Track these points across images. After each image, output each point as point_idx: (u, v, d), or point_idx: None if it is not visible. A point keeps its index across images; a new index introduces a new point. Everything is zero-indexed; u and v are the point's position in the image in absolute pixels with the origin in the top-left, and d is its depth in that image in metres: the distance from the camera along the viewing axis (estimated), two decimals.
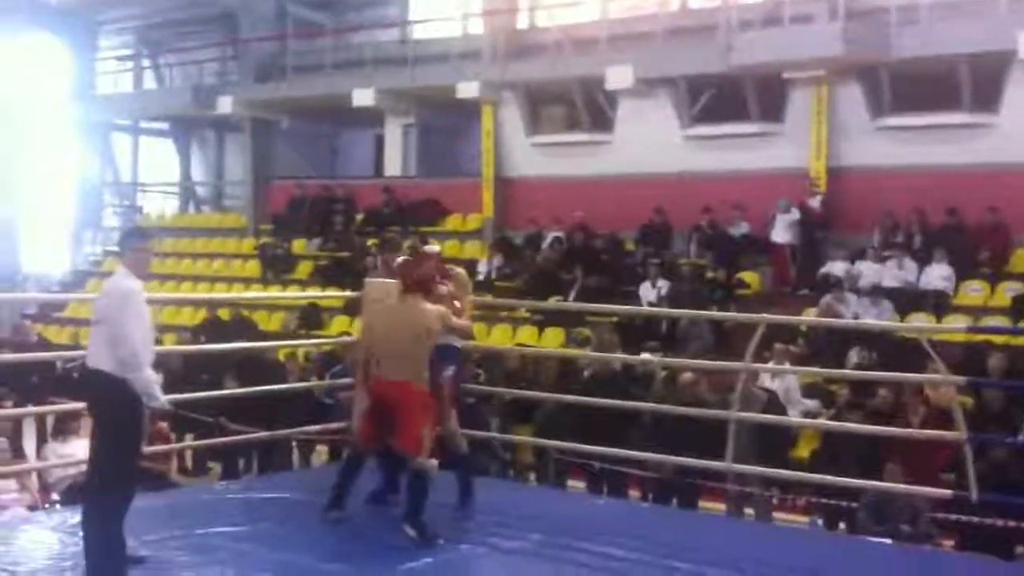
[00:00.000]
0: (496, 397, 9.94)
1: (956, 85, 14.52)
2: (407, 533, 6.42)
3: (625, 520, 7.46)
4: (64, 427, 9.52)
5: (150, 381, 5.47)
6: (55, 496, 8.90)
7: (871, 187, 15.03)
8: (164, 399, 5.59)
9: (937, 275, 13.60)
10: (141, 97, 24.59)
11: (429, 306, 6.64)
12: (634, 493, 9.93)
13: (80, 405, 9.56)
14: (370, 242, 18.55)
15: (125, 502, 5.56)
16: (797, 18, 14.97)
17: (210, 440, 10.68)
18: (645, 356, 10.79)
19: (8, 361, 11.65)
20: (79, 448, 9.27)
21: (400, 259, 7.12)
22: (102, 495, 5.53)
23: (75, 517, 6.52)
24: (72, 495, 8.64)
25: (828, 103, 15.34)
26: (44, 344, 15.19)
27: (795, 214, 14.97)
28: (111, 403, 5.49)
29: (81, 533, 5.63)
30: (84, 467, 9.05)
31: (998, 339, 11.48)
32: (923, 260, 13.87)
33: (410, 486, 6.54)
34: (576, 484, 10.16)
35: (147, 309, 5.64)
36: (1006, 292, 13.30)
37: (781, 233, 15.09)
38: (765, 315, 8.83)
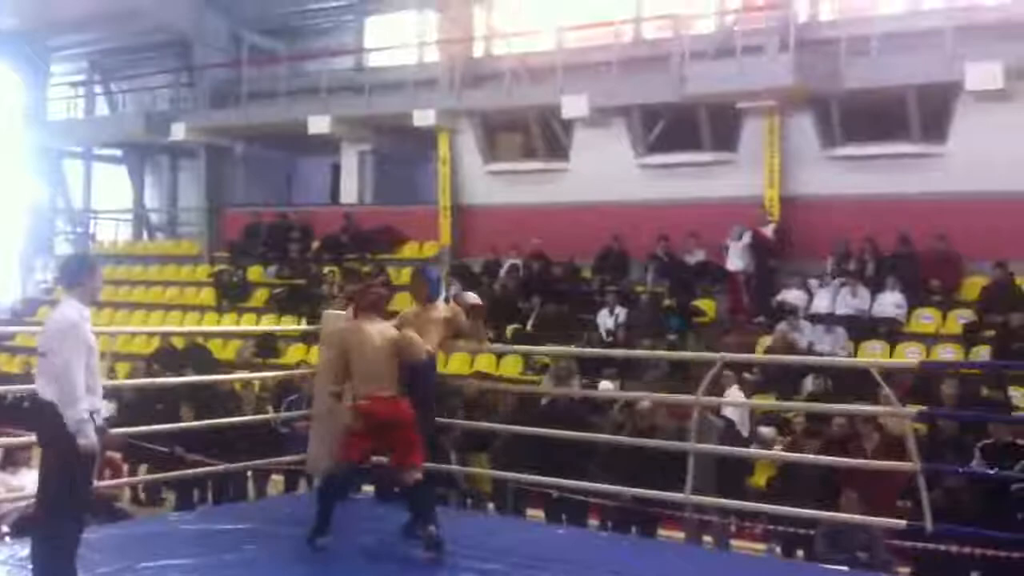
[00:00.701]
0: (453, 426, 9.88)
1: (905, 115, 14.78)
2: (421, 546, 6.62)
3: (584, 549, 7.44)
4: (14, 458, 9.34)
5: (82, 420, 5.31)
6: (4, 528, 8.72)
7: (823, 215, 15.21)
8: (93, 439, 5.38)
9: (890, 302, 13.77)
10: (93, 123, 24.37)
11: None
12: (593, 522, 9.92)
13: (30, 436, 9.46)
14: (326, 270, 18.49)
15: (75, 536, 5.47)
16: (749, 49, 15.14)
17: (164, 472, 10.56)
18: (605, 384, 10.77)
19: None
20: (29, 480, 9.10)
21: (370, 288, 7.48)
22: (50, 529, 5.43)
23: (24, 550, 6.40)
24: (22, 528, 8.48)
25: (780, 132, 15.55)
26: None
27: (747, 240, 15.08)
28: (57, 434, 5.37)
29: (30, 566, 5.52)
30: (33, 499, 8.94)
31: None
32: (876, 288, 14.04)
33: (414, 499, 6.73)
34: (535, 513, 10.12)
35: (93, 338, 5.52)
36: (957, 320, 13.50)
37: (735, 261, 15.21)
38: (724, 353, 8.87)
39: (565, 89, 16.88)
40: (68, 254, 6.58)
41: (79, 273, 5.66)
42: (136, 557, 6.43)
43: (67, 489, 5.43)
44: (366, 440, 6.86)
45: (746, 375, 12.21)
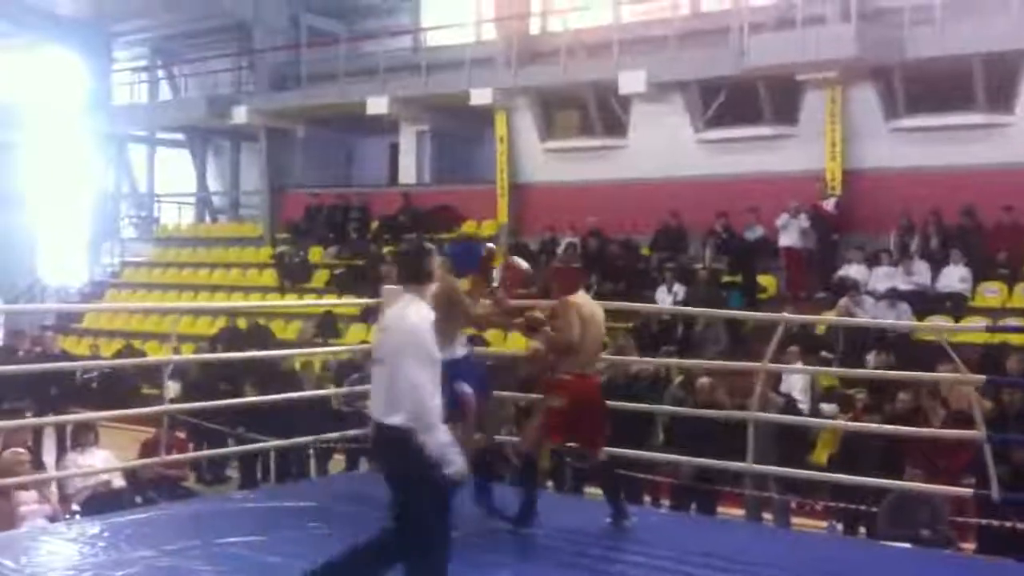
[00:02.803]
0: (510, 403, 9.91)
1: (970, 85, 14.47)
2: (623, 525, 6.92)
3: (642, 526, 7.42)
4: (83, 438, 9.56)
5: (445, 445, 4.62)
6: (75, 507, 8.93)
7: (886, 189, 14.97)
8: (461, 463, 4.69)
9: (954, 276, 13.54)
10: (156, 108, 24.75)
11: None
12: (652, 499, 9.90)
13: (95, 415, 9.70)
14: (386, 250, 18.61)
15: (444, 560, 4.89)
16: (809, 19, 14.93)
17: (228, 449, 10.75)
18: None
19: (28, 372, 11.79)
20: (98, 459, 9.34)
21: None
22: (429, 559, 4.83)
23: (94, 528, 6.59)
24: (92, 506, 8.68)
25: (842, 105, 15.30)
26: (64, 355, 15.24)
27: (805, 218, 14.88)
28: (413, 467, 4.65)
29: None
30: (103, 477, 9.17)
31: (1016, 340, 11.41)
32: (940, 262, 13.80)
33: (605, 480, 7.04)
34: (593, 491, 10.12)
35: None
36: None
37: (793, 236, 15.02)
38: (785, 314, 8.77)
39: (622, 65, 16.79)
40: (405, 248, 5.75)
41: (423, 270, 4.92)
42: (203, 534, 6.55)
43: (428, 515, 4.77)
44: (567, 420, 6.84)
45: (822, 354, 12.07)
